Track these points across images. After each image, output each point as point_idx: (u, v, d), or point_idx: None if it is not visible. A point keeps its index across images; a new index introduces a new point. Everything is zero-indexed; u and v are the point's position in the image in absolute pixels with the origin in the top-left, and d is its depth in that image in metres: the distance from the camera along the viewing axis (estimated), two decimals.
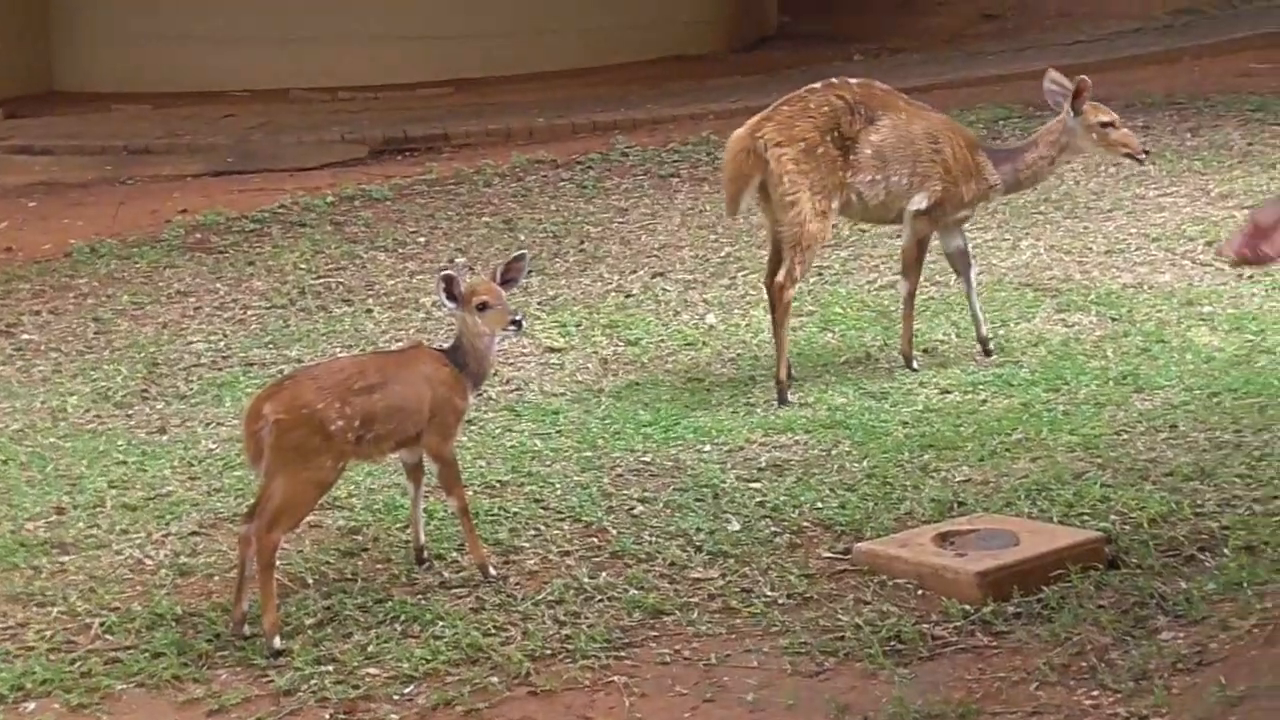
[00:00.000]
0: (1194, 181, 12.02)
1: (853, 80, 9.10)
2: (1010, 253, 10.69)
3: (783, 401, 8.59)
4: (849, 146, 8.81)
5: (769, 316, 8.95)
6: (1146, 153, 9.48)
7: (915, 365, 8.93)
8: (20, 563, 7.01)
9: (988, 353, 9.01)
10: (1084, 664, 5.78)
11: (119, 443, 8.38)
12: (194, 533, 7.20)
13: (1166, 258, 10.45)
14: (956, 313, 9.67)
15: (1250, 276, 9.93)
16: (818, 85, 9.00)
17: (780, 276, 8.84)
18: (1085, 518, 6.81)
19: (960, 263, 9.18)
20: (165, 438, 8.55)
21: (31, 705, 5.98)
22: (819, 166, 8.76)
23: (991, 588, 6.24)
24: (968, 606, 6.19)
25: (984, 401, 8.37)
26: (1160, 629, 5.96)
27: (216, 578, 6.77)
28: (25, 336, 10.41)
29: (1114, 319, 9.43)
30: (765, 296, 9.02)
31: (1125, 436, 7.72)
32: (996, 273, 10.34)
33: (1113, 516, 6.80)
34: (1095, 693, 5.62)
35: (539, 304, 10.39)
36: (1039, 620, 6.10)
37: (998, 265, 10.48)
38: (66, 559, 7.04)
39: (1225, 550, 6.45)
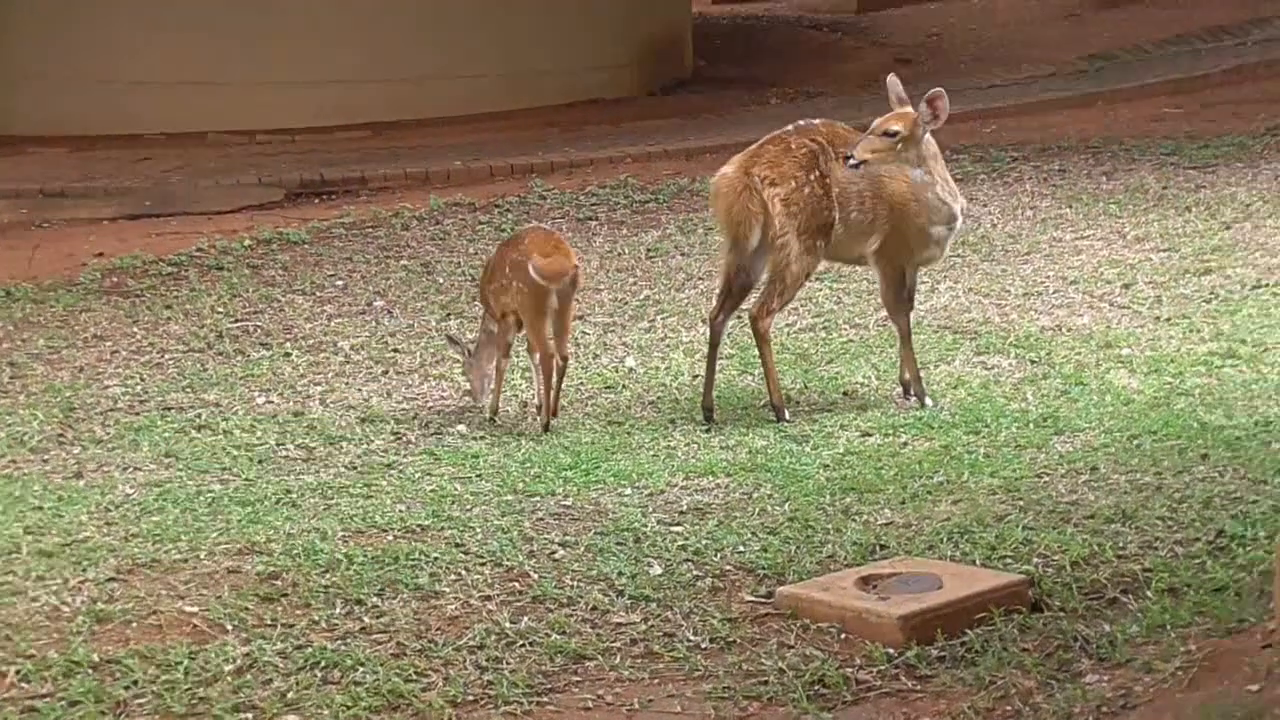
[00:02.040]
0: (1110, 224, 12.09)
1: (817, 121, 9.18)
2: (929, 295, 10.71)
3: (780, 419, 8.80)
4: (829, 186, 8.85)
5: (707, 352, 9.08)
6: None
7: (929, 401, 8.95)
8: None
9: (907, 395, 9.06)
10: (1009, 708, 5.76)
11: (34, 488, 8.27)
12: (111, 579, 7.08)
13: (1084, 300, 10.50)
14: (876, 355, 9.69)
15: (1167, 319, 10.00)
16: (790, 128, 9.11)
17: (754, 308, 9.00)
18: (1008, 560, 6.80)
19: None
20: (81, 482, 8.44)
21: None
22: (806, 206, 8.82)
23: (915, 631, 6.22)
24: (891, 650, 6.16)
25: (905, 444, 8.37)
26: (1084, 672, 5.95)
27: (134, 624, 6.67)
28: None
29: (1033, 361, 9.47)
30: (706, 332, 9.20)
31: (1046, 479, 7.72)
32: (915, 315, 10.25)
33: (1035, 559, 6.79)
34: None
35: (456, 349, 10.33)
36: (963, 664, 6.08)
37: (916, 308, 10.42)
38: None
39: (1148, 593, 6.45)
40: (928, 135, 8.90)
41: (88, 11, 18.08)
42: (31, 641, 6.56)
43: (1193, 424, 8.27)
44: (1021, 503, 7.43)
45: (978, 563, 6.79)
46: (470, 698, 6.03)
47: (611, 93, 19.55)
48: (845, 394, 9.19)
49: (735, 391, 9.35)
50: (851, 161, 8.79)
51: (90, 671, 6.30)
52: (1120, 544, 6.89)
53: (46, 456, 8.85)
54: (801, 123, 9.20)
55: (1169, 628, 6.14)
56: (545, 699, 6.02)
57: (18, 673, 6.33)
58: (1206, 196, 12.69)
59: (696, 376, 9.47)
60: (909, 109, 8.89)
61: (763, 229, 8.90)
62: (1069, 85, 18.32)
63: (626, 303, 11.14)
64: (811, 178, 8.90)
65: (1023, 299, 10.61)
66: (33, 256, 12.17)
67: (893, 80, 9.12)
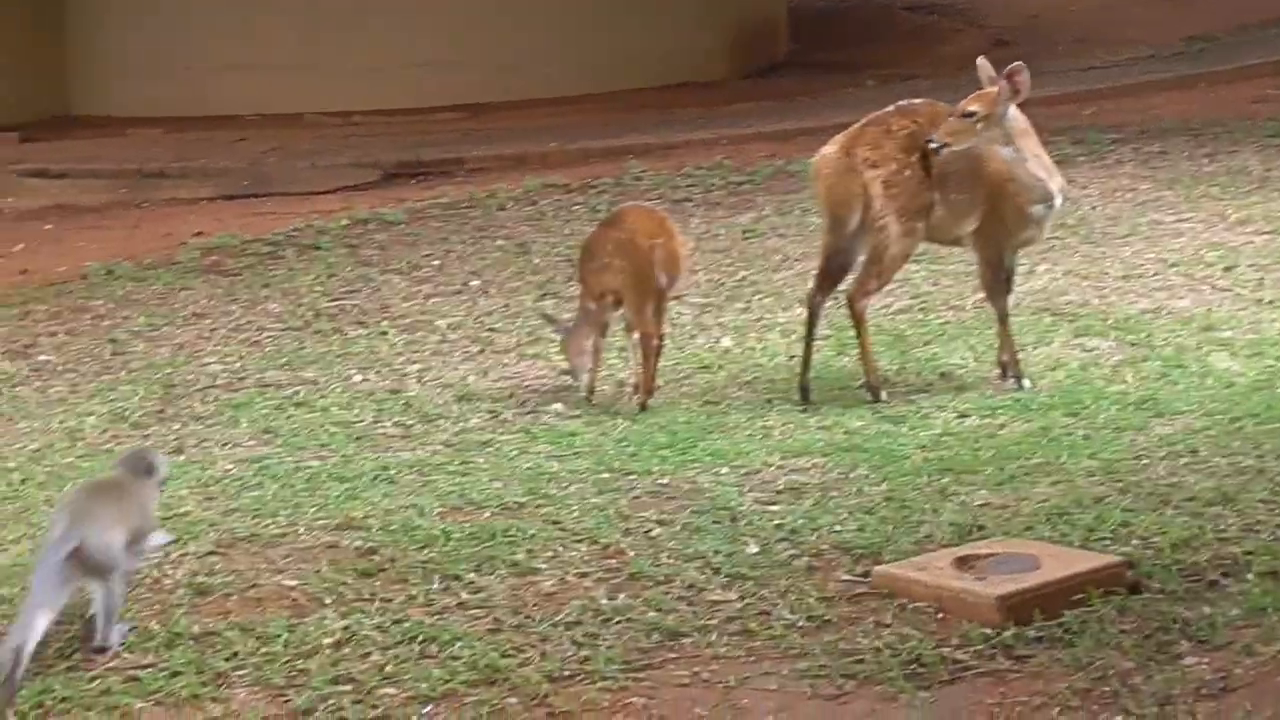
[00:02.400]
0: (1211, 207, 11.99)
1: (918, 101, 9.16)
2: (1027, 278, 10.64)
3: (877, 399, 8.81)
4: (929, 168, 8.84)
5: (804, 333, 9.07)
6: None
7: (1026, 383, 8.91)
8: None
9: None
10: (1106, 689, 5.73)
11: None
12: (211, 552, 7.15)
13: (1184, 283, 10.43)
14: (974, 337, 9.66)
15: (1270, 302, 9.92)
16: (891, 108, 9.10)
17: (852, 289, 8.99)
18: (1106, 542, 6.76)
19: None
20: (182, 458, 8.52)
21: None
22: (907, 189, 8.82)
23: (1012, 612, 6.18)
24: (988, 630, 6.13)
25: (1002, 426, 8.34)
26: (1183, 654, 5.91)
27: (234, 597, 6.74)
28: (42, 358, 10.43)
29: (1132, 344, 9.41)
30: (805, 312, 9.16)
31: (1145, 461, 7.67)
32: (1013, 297, 10.26)
33: (1134, 541, 6.75)
34: (1118, 718, 5.57)
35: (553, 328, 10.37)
36: (1060, 645, 6.04)
37: (1015, 290, 10.40)
38: None
39: (1249, 575, 6.40)
40: (1014, 112, 8.84)
41: None
42: (134, 613, 6.64)
43: None
44: (1120, 485, 7.38)
45: (1076, 544, 6.74)
46: (566, 673, 6.04)
47: (705, 76, 19.56)
48: (942, 375, 9.17)
49: (832, 372, 9.34)
50: (933, 145, 8.77)
51: (191, 643, 6.37)
52: (1221, 527, 6.84)
53: (147, 432, 8.94)
54: (902, 103, 9.16)
55: (1270, 611, 6.08)
56: (641, 675, 6.02)
57: (120, 643, 6.41)
58: None
59: (793, 357, 9.45)
60: (990, 89, 8.86)
61: (863, 211, 8.89)
62: (1169, 67, 18.19)
63: (722, 284, 11.14)
64: (912, 160, 8.86)
65: (1122, 281, 10.54)
66: (132, 236, 12.31)
67: (983, 63, 9.07)
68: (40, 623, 6.17)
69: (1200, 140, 14.07)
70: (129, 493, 6.70)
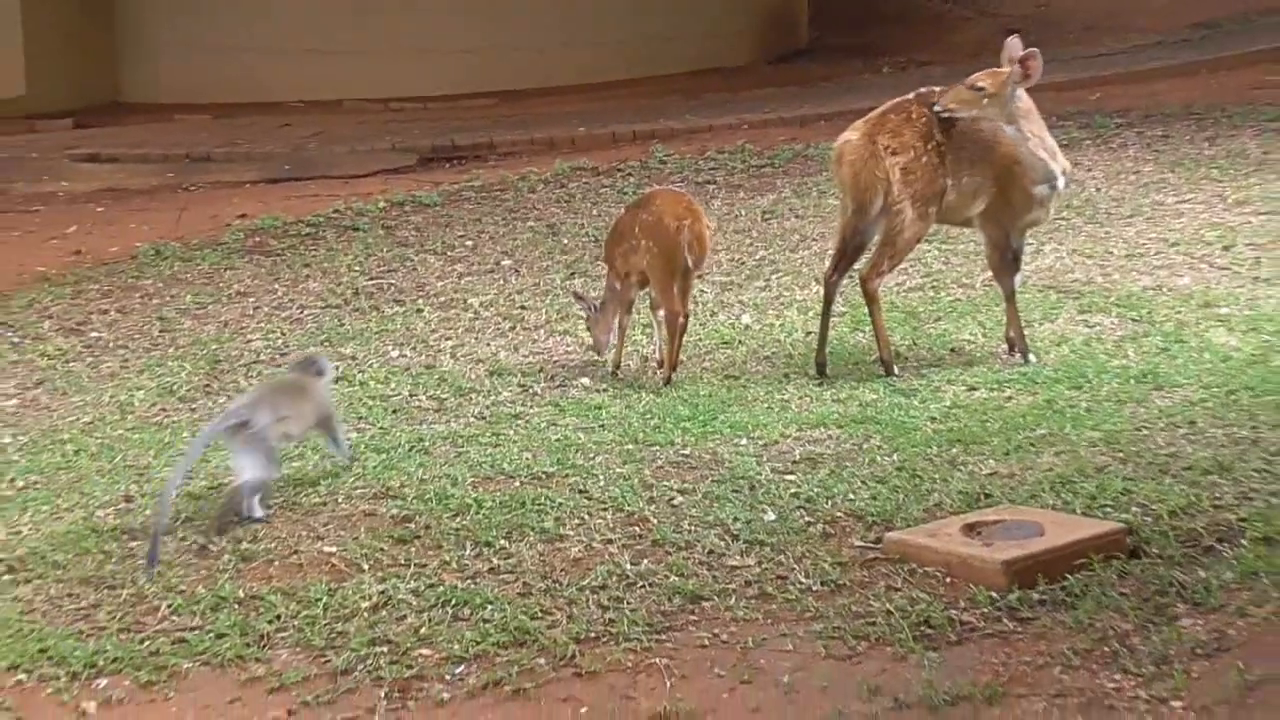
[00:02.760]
0: (1211, 188, 11.97)
1: (938, 89, 9.13)
2: (1034, 257, 10.66)
3: (889, 374, 8.85)
4: (944, 154, 8.86)
5: (820, 310, 9.10)
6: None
7: (1032, 358, 8.94)
8: (92, 548, 7.05)
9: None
10: (1106, 649, 5.77)
11: (183, 435, 8.42)
12: (255, 521, 7.23)
13: (1185, 261, 10.42)
14: (983, 313, 9.68)
15: (1266, 279, 9.92)
16: (911, 95, 9.10)
17: (865, 269, 9.02)
18: (1107, 509, 6.78)
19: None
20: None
21: (103, 682, 6.02)
22: (922, 175, 8.86)
23: (1017, 576, 6.23)
24: (994, 594, 6.18)
25: (1009, 398, 8.36)
26: (1180, 616, 5.94)
27: (276, 562, 6.80)
28: (94, 334, 10.48)
29: (1134, 320, 9.41)
30: (820, 291, 9.24)
31: (1146, 432, 7.69)
32: (1020, 276, 10.29)
33: (1134, 508, 6.77)
34: (1117, 677, 5.60)
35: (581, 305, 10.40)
36: (1063, 607, 6.08)
37: (1023, 268, 10.44)
38: (135, 544, 7.07)
39: (1243, 541, 6.42)
40: (1021, 93, 8.85)
41: None
42: (181, 578, 6.71)
43: None
44: (1121, 455, 7.40)
45: (1078, 511, 6.77)
46: (593, 635, 6.09)
47: (729, 61, 19.55)
48: (952, 350, 9.18)
49: (847, 348, 9.36)
50: (938, 108, 8.80)
51: (236, 606, 6.43)
52: (1217, 495, 6.86)
53: (194, 405, 8.99)
54: (923, 90, 9.16)
55: (1263, 575, 6.11)
56: (664, 637, 6.07)
57: (169, 606, 6.47)
58: None
59: (810, 333, 9.48)
60: (1003, 69, 8.86)
61: (884, 195, 8.90)
62: (1173, 53, 18.14)
63: (743, 263, 11.16)
64: (929, 147, 8.87)
65: (1125, 260, 10.54)
66: (180, 218, 12.34)
67: (1013, 41, 9.03)
68: (182, 469, 7.32)
69: (1202, 125, 14.04)
70: (303, 388, 7.73)
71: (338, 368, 7.76)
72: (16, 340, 10.42)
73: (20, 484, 8.03)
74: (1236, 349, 8.83)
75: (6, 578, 6.86)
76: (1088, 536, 6.43)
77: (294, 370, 8.07)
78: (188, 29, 18.27)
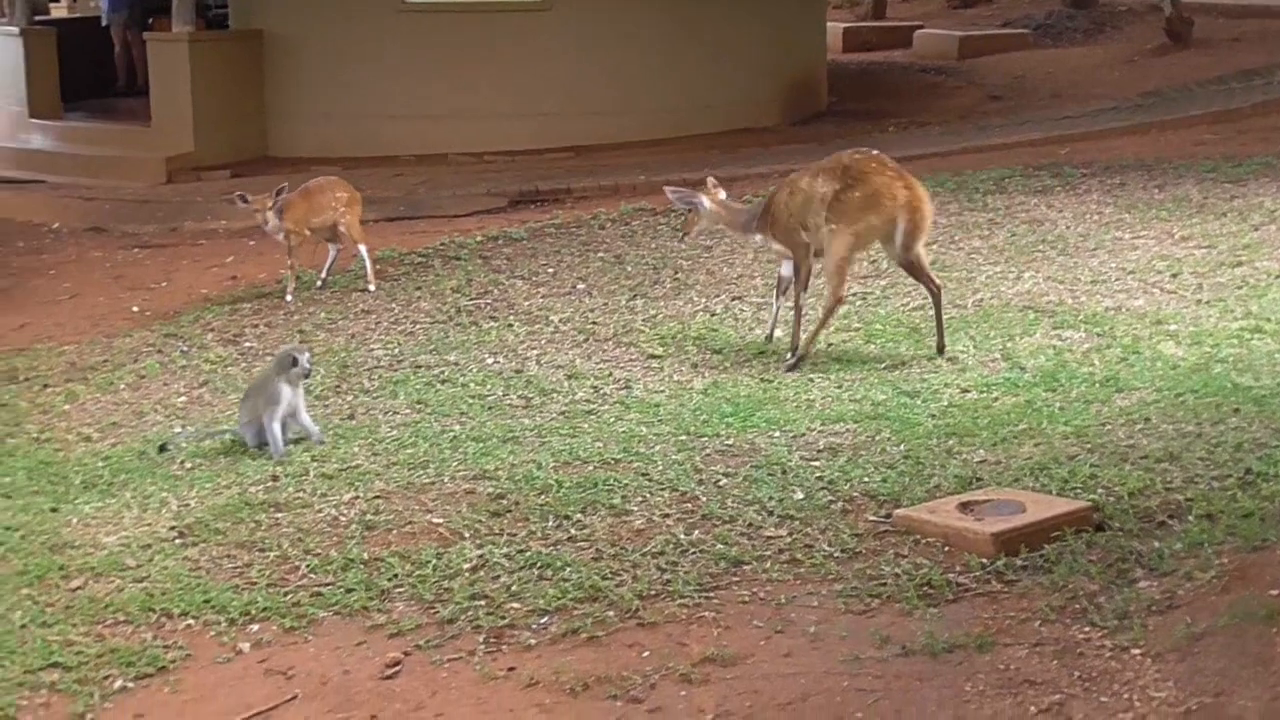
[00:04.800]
0: (1160, 227, 11.87)
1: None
2: (1015, 282, 10.61)
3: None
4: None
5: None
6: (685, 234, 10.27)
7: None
8: (245, 518, 7.07)
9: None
10: (1077, 606, 5.71)
11: (318, 427, 8.42)
12: (376, 496, 7.22)
13: (1140, 286, 10.33)
14: (973, 329, 9.61)
15: (1207, 301, 9.83)
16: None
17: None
18: (1078, 491, 6.72)
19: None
20: (353, 423, 8.59)
21: (255, 627, 6.04)
22: None
23: (1004, 545, 6.18)
24: (984, 560, 6.13)
25: (996, 399, 8.30)
26: (1138, 579, 5.88)
27: (394, 531, 6.79)
28: (247, 344, 10.51)
29: (1098, 335, 9.33)
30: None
31: (1109, 427, 7.63)
32: (1004, 298, 10.26)
33: (1099, 490, 6.71)
34: (1086, 629, 5.55)
35: (643, 321, 10.38)
36: (1041, 572, 6.03)
37: (1005, 292, 10.40)
38: (280, 515, 7.09)
39: (1190, 517, 6.36)
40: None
41: (356, 62, 18.32)
42: (317, 543, 6.71)
43: (1227, 385, 8.13)
44: (1089, 446, 7.34)
45: (1054, 492, 6.72)
46: (653, 593, 6.07)
47: (761, 123, 19.50)
48: (949, 360, 9.11)
49: (861, 356, 9.30)
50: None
51: (361, 566, 6.43)
52: (1168, 479, 6.79)
53: (327, 403, 9.00)
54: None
55: (1206, 545, 6.04)
56: (711, 595, 6.04)
57: (307, 566, 6.48)
58: (1239, 205, 12.41)
59: (831, 344, 9.44)
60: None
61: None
62: (1127, 116, 18.01)
63: (774, 286, 11.06)
64: None
65: (1090, 285, 10.45)
66: (316, 250, 12.32)
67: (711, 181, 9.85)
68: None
69: (1152, 174, 13.93)
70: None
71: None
72: (185, 349, 10.47)
73: (189, 465, 8.07)
74: (1183, 359, 8.75)
75: (178, 541, 6.88)
76: (1061, 513, 6.37)
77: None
78: (322, 98, 18.32)
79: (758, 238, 9.69)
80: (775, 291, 9.79)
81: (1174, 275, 10.51)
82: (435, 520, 6.86)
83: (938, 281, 9.34)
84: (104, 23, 20.61)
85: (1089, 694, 5.13)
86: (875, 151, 9.36)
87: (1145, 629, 5.48)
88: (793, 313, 9.35)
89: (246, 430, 8.16)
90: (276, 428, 8.01)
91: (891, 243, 9.14)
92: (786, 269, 9.52)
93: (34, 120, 19.17)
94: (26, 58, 19.13)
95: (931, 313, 9.29)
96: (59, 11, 23.94)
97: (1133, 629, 5.49)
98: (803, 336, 9.22)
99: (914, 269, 9.25)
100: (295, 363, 8.12)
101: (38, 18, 20.26)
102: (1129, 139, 16.36)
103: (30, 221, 15.91)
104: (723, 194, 9.93)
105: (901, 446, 7.53)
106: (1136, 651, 5.35)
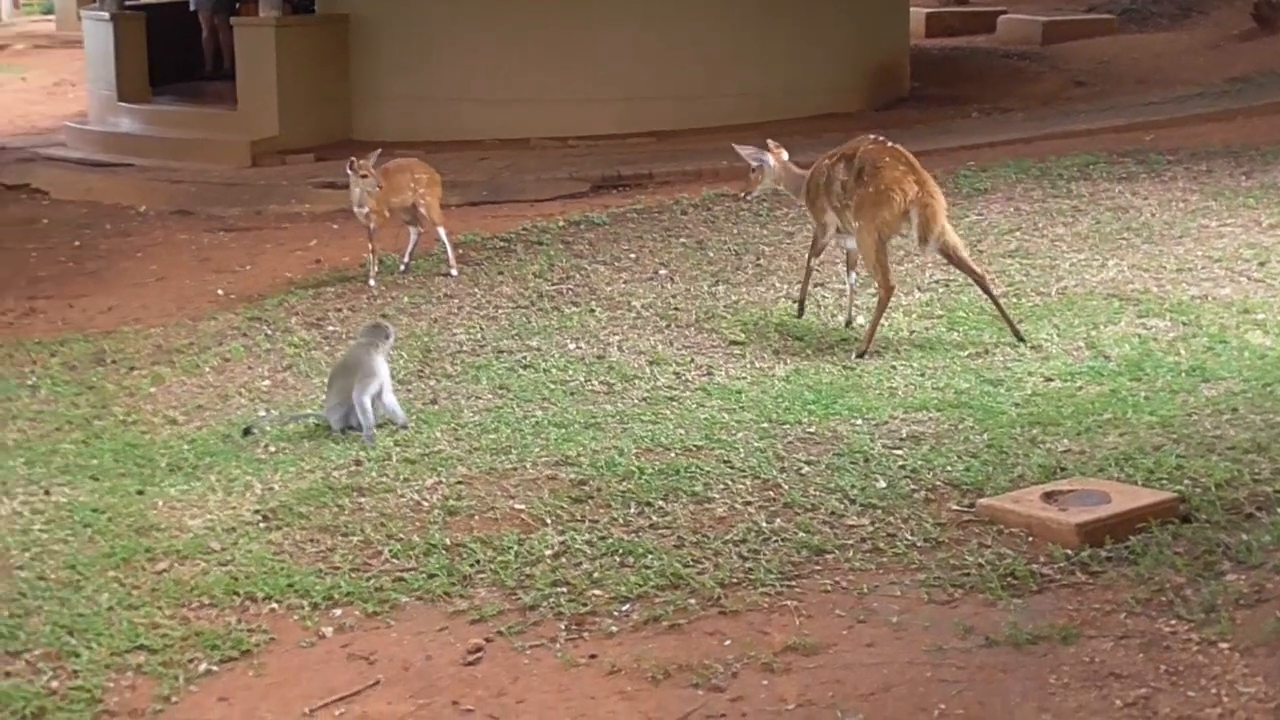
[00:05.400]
0: (1248, 215, 11.68)
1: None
2: (1099, 270, 10.47)
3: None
4: None
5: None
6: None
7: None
8: (328, 502, 7.09)
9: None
10: (1163, 599, 5.64)
11: (404, 411, 8.43)
12: (459, 482, 7.22)
13: (1226, 275, 10.17)
14: (1057, 317, 9.50)
15: None
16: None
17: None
18: (1163, 482, 6.63)
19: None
20: (436, 407, 8.60)
21: (338, 611, 6.05)
22: None
23: (1088, 536, 6.11)
24: (1069, 551, 6.06)
25: (1080, 388, 8.20)
26: (1225, 572, 5.79)
27: (476, 517, 6.79)
28: (330, 328, 10.54)
29: (1184, 324, 9.20)
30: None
31: (1195, 417, 7.52)
32: (1089, 285, 10.13)
33: (1186, 481, 6.62)
34: (1172, 622, 5.47)
35: (724, 307, 10.34)
36: (1126, 563, 5.95)
37: (1089, 280, 10.27)
38: (363, 500, 7.10)
39: (1278, 509, 6.26)
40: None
41: (440, 46, 18.35)
42: (400, 528, 6.72)
43: None
44: (1174, 436, 7.24)
45: (1139, 483, 6.63)
46: (735, 581, 6.04)
47: (844, 108, 19.36)
48: (1033, 348, 9.02)
49: (944, 344, 9.22)
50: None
51: (443, 552, 6.43)
52: (1256, 470, 6.69)
53: (410, 387, 9.01)
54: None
55: None
56: (793, 583, 6.01)
57: (390, 551, 6.49)
58: None
59: (914, 331, 9.37)
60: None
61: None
62: (1214, 102, 17.74)
63: (858, 271, 11.01)
64: None
65: (1175, 273, 10.30)
66: (399, 234, 12.34)
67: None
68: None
69: (1239, 161, 13.70)
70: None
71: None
72: (269, 333, 10.51)
73: (272, 449, 8.10)
74: (1271, 348, 8.61)
75: (261, 525, 6.91)
76: (1147, 504, 6.29)
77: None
78: (406, 82, 18.36)
79: (801, 203, 10.08)
80: (845, 268, 9.96)
81: (1261, 264, 10.35)
82: (517, 506, 6.86)
83: (979, 269, 9.32)
84: (192, 7, 20.79)
85: (1175, 688, 5.06)
86: (891, 143, 9.52)
87: (1233, 622, 5.39)
88: (847, 289, 9.84)
89: (333, 413, 8.18)
90: (367, 401, 8.04)
91: (910, 236, 9.21)
92: (850, 243, 9.59)
93: (123, 104, 19.36)
94: (116, 42, 19.32)
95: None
96: None
97: (1220, 622, 5.40)
98: (863, 322, 9.34)
99: (950, 259, 9.30)
100: (388, 335, 8.19)
101: (128, 3, 20.43)
102: (1215, 125, 16.10)
103: (119, 204, 16.07)
104: (785, 154, 10.22)
105: (985, 435, 7.45)
106: (1224, 645, 5.27)
